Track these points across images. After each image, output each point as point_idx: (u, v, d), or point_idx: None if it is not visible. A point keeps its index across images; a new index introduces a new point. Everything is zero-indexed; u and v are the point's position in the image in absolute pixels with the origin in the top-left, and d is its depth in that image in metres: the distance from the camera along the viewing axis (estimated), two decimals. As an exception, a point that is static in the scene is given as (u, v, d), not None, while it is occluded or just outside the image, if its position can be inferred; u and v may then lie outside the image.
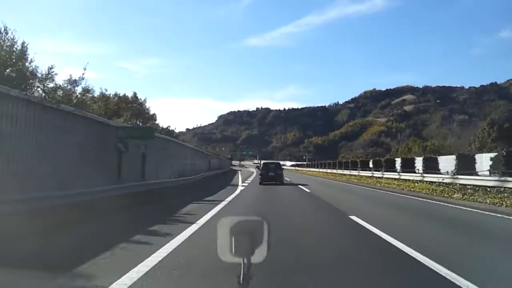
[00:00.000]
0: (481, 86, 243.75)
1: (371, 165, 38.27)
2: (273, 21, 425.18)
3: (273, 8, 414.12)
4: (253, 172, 48.71)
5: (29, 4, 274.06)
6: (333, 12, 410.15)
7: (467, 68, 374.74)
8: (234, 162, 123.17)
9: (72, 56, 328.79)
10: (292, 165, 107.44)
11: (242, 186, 22.55)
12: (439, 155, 30.23)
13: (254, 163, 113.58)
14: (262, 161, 41.95)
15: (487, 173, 21.14)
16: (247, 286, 1.67)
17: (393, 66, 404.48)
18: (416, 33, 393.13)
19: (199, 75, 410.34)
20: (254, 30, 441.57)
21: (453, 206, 12.97)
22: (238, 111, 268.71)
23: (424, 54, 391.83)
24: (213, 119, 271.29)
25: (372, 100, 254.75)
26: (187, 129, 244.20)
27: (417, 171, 27.30)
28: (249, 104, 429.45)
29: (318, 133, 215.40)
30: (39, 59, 16.40)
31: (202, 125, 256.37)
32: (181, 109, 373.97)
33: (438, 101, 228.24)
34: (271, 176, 23.38)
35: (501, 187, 16.28)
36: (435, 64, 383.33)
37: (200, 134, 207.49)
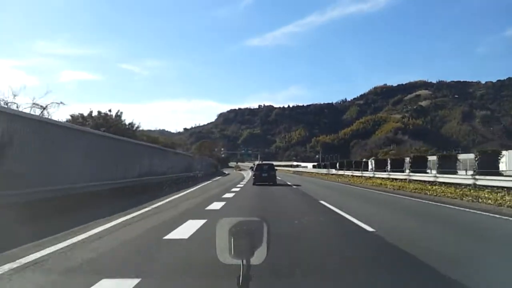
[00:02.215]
0: (498, 81, 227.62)
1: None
2: (274, 21, 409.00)
3: (274, 8, 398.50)
4: (236, 185, 23.22)
5: (29, 6, 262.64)
6: (335, 12, 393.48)
7: (475, 65, 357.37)
8: (231, 164, 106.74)
9: (72, 59, 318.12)
10: (318, 166, 69.02)
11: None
12: None
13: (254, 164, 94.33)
14: (257, 162, 39.72)
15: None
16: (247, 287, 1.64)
17: (399, 64, 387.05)
18: (419, 31, 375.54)
19: (200, 77, 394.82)
20: (255, 30, 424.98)
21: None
22: (239, 109, 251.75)
23: (429, 52, 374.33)
24: (212, 119, 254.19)
25: (383, 96, 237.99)
26: (185, 129, 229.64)
27: None
28: (251, 105, 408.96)
29: (324, 131, 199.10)
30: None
31: (200, 125, 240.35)
32: (182, 111, 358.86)
33: (456, 96, 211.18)
34: (264, 176, 23.23)
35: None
36: (441, 62, 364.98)
37: (197, 134, 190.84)
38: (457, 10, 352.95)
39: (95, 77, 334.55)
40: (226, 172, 57.49)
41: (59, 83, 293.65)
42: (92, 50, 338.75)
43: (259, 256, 1.64)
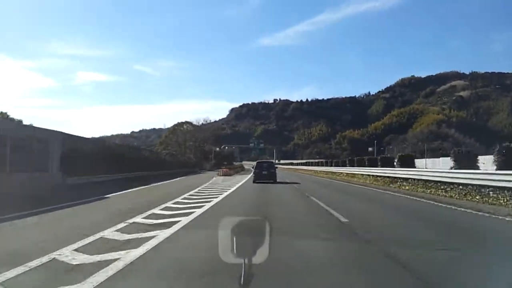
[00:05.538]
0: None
1: None
2: (286, 20, 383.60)
3: (285, 6, 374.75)
4: None
5: (43, 7, 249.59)
6: (348, 9, 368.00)
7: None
8: (235, 163, 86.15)
9: (86, 59, 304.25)
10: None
11: None
12: None
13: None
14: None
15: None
16: (248, 286, 1.62)
17: (411, 63, 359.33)
18: (434, 27, 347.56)
19: (212, 77, 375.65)
20: (267, 30, 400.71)
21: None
22: (253, 103, 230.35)
23: (440, 49, 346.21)
24: (224, 115, 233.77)
25: (411, 88, 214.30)
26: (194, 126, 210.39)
27: None
28: (265, 100, 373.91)
29: (348, 126, 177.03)
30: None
31: (210, 121, 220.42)
32: (195, 111, 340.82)
33: (498, 86, 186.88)
34: (264, 174, 23.69)
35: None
36: (456, 56, 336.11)
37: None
38: (472, 6, 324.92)
39: (109, 78, 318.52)
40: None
41: (76, 85, 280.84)
42: (106, 51, 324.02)
43: (261, 255, 1.59)
